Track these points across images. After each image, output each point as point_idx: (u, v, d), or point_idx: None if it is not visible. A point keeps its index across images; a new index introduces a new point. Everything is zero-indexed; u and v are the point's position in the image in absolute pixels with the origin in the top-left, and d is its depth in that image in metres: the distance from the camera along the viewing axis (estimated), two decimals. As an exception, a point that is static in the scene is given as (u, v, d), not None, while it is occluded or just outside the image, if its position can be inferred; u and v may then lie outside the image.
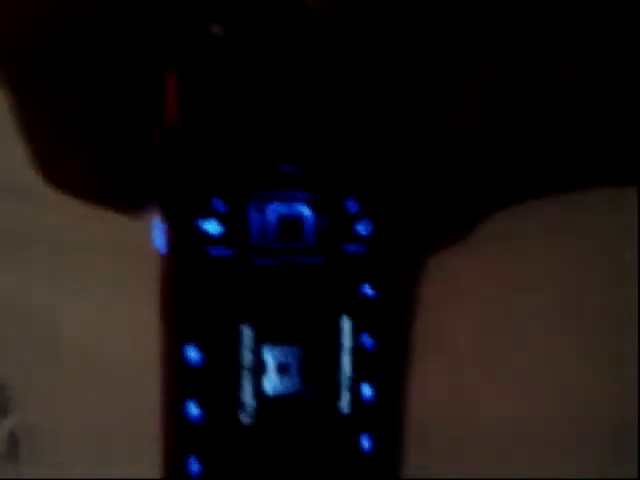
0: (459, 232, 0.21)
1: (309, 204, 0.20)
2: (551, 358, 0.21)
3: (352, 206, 0.20)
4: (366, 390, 0.21)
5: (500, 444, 0.21)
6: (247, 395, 0.20)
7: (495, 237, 0.21)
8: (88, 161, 0.18)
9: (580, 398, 0.20)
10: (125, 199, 0.19)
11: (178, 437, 0.19)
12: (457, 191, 0.20)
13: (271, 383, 0.20)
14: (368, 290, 0.21)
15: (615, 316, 0.20)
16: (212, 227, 0.19)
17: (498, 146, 0.19)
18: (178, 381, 0.19)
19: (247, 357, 0.20)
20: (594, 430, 0.20)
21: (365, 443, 0.21)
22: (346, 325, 0.21)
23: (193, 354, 0.19)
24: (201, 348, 0.19)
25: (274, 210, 0.19)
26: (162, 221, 0.19)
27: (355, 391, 0.21)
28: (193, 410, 0.19)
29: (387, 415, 0.21)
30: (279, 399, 0.20)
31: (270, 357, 0.20)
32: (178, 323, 0.19)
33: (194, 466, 0.19)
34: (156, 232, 0.19)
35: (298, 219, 0.20)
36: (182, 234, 0.19)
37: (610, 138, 0.18)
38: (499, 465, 0.21)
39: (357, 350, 0.21)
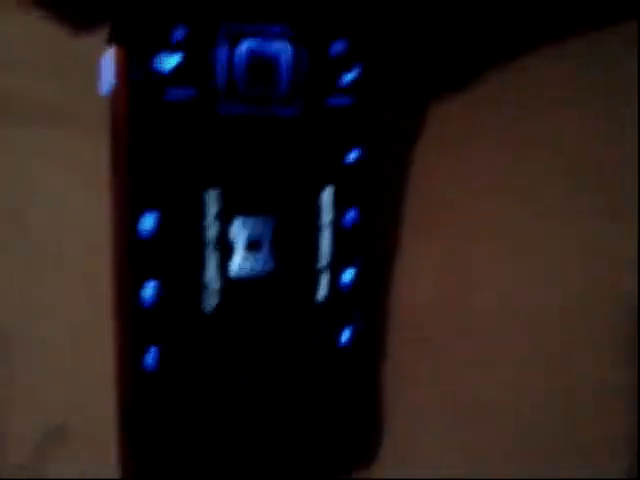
0: (459, 81, 0.18)
1: (289, 41, 0.16)
2: (550, 236, 0.19)
3: (340, 49, 0.17)
4: (346, 274, 0.19)
5: (490, 333, 0.20)
6: (211, 275, 0.17)
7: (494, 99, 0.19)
8: None
9: (579, 288, 0.19)
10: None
11: (131, 324, 0.16)
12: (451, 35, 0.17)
13: (239, 262, 0.17)
14: (354, 153, 0.18)
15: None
16: (170, 61, 0.15)
17: None
18: (131, 256, 0.16)
19: (212, 229, 0.17)
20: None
21: (343, 335, 0.19)
22: (327, 195, 0.18)
23: (148, 223, 0.16)
24: (158, 216, 0.16)
25: (245, 46, 0.16)
26: (112, 54, 0.15)
27: (334, 274, 0.18)
28: (148, 291, 0.16)
29: (368, 304, 0.19)
30: (247, 281, 0.17)
31: (239, 228, 0.17)
32: (130, 186, 0.16)
33: (150, 358, 0.16)
34: (105, 71, 0.16)
35: (274, 59, 0.16)
36: (135, 68, 0.15)
37: None
38: (487, 357, 0.20)
39: (338, 226, 0.18)
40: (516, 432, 0.19)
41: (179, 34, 0.15)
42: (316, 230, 0.18)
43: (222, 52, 0.16)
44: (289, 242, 0.18)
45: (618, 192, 0.19)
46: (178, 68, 0.15)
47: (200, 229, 0.17)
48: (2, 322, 0.18)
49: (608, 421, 0.18)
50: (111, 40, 0.15)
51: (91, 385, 0.18)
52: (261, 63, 0.16)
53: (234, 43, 0.16)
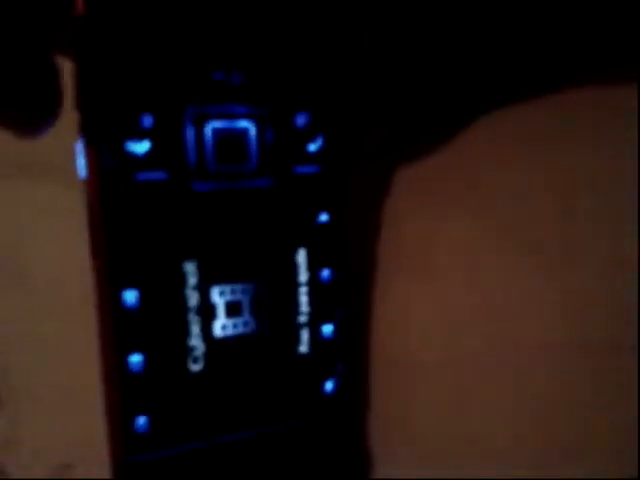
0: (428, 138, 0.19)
1: (253, 119, 0.17)
2: (541, 277, 0.19)
3: (302, 121, 0.18)
4: (326, 328, 0.19)
5: (485, 366, 0.20)
6: (195, 339, 0.18)
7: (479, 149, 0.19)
8: None
9: (572, 318, 0.19)
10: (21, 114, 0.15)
11: (121, 391, 0.17)
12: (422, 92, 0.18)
13: (221, 324, 0.18)
14: (324, 216, 0.19)
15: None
16: (141, 147, 0.16)
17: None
18: (116, 330, 0.17)
19: (192, 298, 0.17)
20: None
21: (327, 385, 0.19)
22: (301, 256, 0.19)
23: (130, 299, 0.17)
24: (140, 291, 0.17)
25: (211, 126, 0.17)
26: (83, 143, 0.16)
27: (314, 329, 0.19)
28: (135, 360, 0.17)
29: (349, 354, 0.20)
30: (230, 341, 0.18)
31: (219, 296, 0.18)
32: (111, 264, 0.16)
33: (141, 422, 0.17)
34: (79, 157, 0.16)
35: (240, 136, 0.17)
36: (107, 156, 0.16)
37: None
38: (483, 388, 0.20)
39: (314, 284, 0.19)
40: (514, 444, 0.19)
41: (147, 121, 0.16)
42: (294, 289, 0.19)
43: (190, 134, 0.17)
44: (269, 303, 0.18)
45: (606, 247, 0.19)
46: (148, 153, 0.16)
47: (181, 298, 0.17)
48: (5, 364, 0.18)
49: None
50: (80, 131, 0.16)
51: (93, 426, 0.18)
52: (228, 141, 0.17)
53: (200, 124, 0.17)
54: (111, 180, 0.16)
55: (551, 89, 0.18)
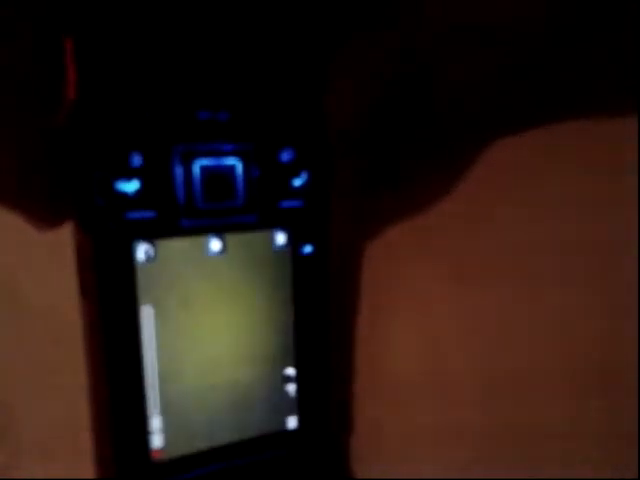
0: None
1: (239, 156, 0.18)
2: (533, 305, 0.20)
3: (287, 157, 0.18)
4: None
5: (474, 396, 0.20)
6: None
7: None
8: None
9: (565, 348, 0.19)
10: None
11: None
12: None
13: None
14: (307, 248, 0.19)
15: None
16: (130, 186, 0.16)
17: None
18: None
19: None
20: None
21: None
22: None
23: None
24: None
25: (199, 164, 0.17)
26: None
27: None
28: None
29: (312, 395, 0.20)
30: None
31: None
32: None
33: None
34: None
35: (227, 173, 0.18)
36: (97, 196, 0.16)
37: None
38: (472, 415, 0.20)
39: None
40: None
41: (136, 160, 0.16)
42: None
43: (178, 172, 0.17)
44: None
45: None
46: (138, 192, 0.16)
47: None
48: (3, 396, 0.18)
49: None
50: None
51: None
52: (216, 178, 0.17)
53: (188, 162, 0.17)
54: (101, 219, 0.16)
55: (532, 125, 0.18)
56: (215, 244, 0.18)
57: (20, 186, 0.16)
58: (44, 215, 0.17)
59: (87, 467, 0.18)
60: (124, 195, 0.16)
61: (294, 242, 0.19)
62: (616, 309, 0.18)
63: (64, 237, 0.18)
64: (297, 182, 0.18)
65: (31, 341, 0.18)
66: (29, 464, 0.18)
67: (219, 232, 0.18)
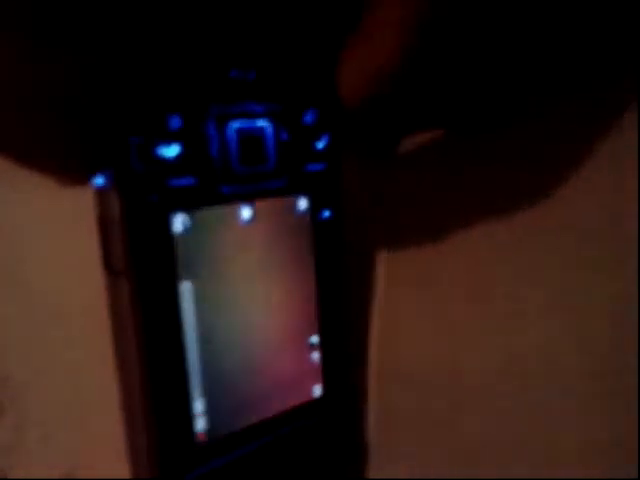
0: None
1: (268, 118, 0.17)
2: (542, 291, 0.19)
3: (311, 118, 0.18)
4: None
5: (486, 380, 0.21)
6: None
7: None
8: None
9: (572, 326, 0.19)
10: None
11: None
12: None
13: None
14: (327, 212, 0.19)
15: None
16: (171, 151, 0.15)
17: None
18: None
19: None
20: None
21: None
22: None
23: None
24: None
25: (234, 126, 0.16)
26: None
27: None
28: None
29: (337, 364, 0.20)
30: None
31: None
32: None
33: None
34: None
35: (259, 136, 0.17)
36: (136, 161, 0.14)
37: None
38: (482, 409, 0.21)
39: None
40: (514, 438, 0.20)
41: (175, 122, 0.15)
42: None
43: (214, 135, 0.16)
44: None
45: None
46: (178, 157, 0.15)
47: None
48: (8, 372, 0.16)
49: (608, 422, 0.18)
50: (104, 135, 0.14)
51: (98, 432, 0.17)
52: (249, 141, 0.16)
53: (223, 125, 0.16)
54: (141, 187, 0.14)
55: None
56: (246, 212, 0.17)
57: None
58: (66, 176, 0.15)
59: (91, 448, 0.17)
60: (164, 160, 0.15)
61: (314, 207, 0.18)
62: (617, 309, 0.18)
63: (77, 210, 0.15)
64: (319, 145, 0.18)
65: (36, 317, 0.15)
66: (32, 444, 0.16)
67: (252, 199, 0.17)
